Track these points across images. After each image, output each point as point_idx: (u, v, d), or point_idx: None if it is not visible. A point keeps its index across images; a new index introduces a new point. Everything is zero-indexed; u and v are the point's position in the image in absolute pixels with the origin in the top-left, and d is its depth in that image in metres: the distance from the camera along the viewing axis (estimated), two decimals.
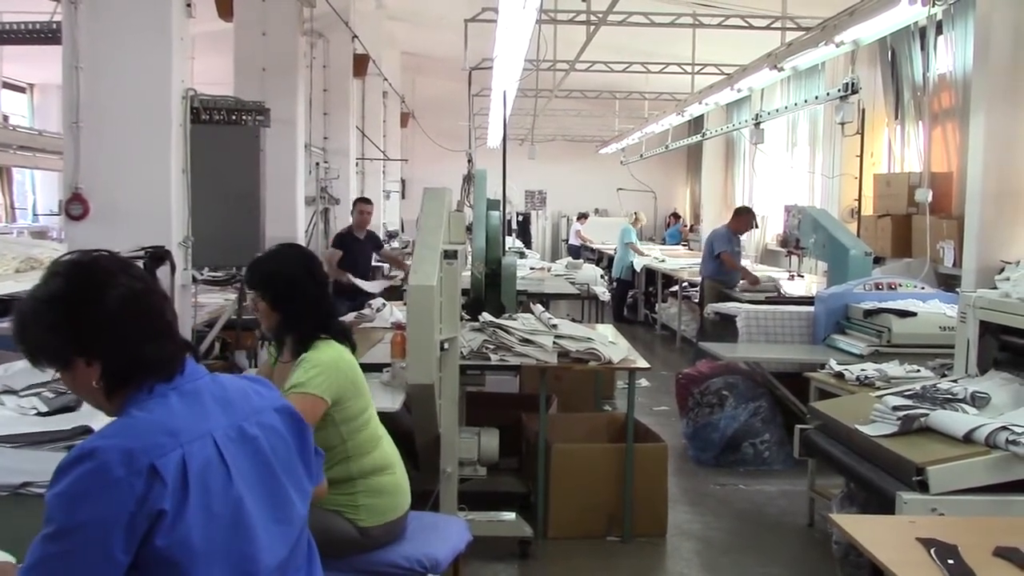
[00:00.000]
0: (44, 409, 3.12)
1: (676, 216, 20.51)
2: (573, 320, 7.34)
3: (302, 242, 9.25)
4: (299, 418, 1.94)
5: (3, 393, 3.17)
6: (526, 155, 16.35)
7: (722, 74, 11.48)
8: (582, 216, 19.59)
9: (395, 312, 6.45)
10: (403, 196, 17.97)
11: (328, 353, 3.07)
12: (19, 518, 2.24)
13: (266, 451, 1.81)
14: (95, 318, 1.72)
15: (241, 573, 1.70)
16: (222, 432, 1.74)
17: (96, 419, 3.01)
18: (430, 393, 4.10)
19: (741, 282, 9.39)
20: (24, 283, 3.65)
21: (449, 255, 4.42)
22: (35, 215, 17.78)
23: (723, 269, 9.52)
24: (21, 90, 17.88)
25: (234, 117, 6.09)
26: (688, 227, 20.35)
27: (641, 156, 17.04)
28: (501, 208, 7.24)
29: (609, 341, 5.32)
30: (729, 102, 12.79)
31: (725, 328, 7.70)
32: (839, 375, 5.15)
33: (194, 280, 5.47)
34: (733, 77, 10.06)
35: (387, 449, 3.26)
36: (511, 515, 4.81)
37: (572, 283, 9.82)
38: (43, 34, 6.68)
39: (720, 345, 6.68)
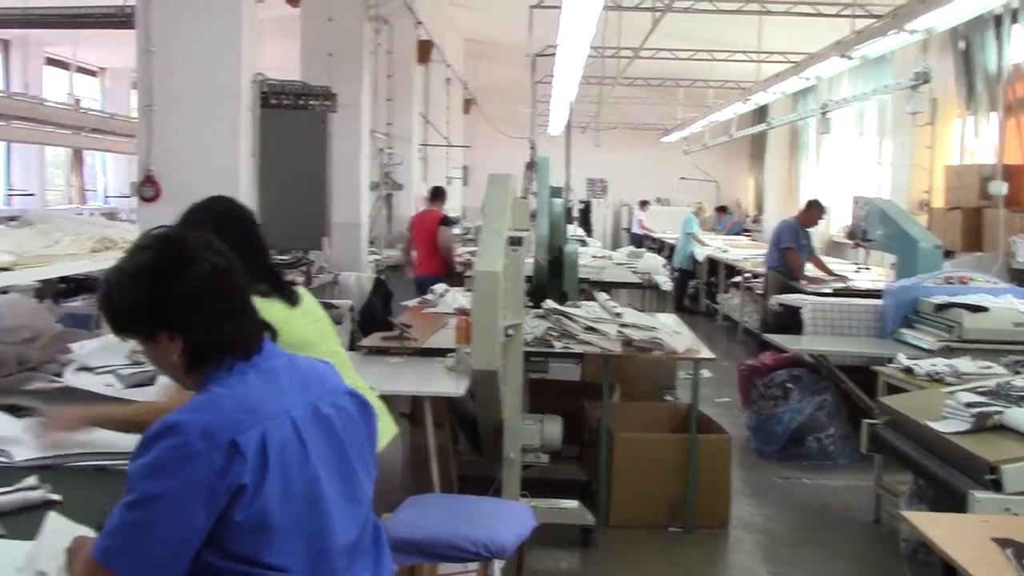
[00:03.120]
0: (119, 386, 3.19)
1: (723, 209, 20.11)
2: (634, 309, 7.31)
3: (365, 228, 9.32)
4: (367, 403, 1.96)
5: (80, 370, 3.25)
6: (588, 143, 16.28)
7: (788, 62, 11.32)
8: (644, 204, 19.46)
9: (458, 298, 6.47)
10: (465, 183, 17.99)
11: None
12: (101, 493, 2.27)
13: (339, 431, 1.83)
14: (180, 293, 1.75)
15: (315, 550, 1.72)
16: (299, 411, 1.76)
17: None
18: (494, 379, 4.10)
19: (802, 282, 9.17)
20: (100, 263, 3.73)
21: (514, 241, 4.41)
22: (106, 197, 18.16)
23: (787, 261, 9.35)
24: (92, 74, 18.22)
25: (301, 102, 6.14)
26: (750, 218, 20.11)
27: (704, 145, 16.87)
28: (564, 196, 7.22)
29: (673, 331, 5.28)
30: (795, 91, 12.60)
31: (789, 320, 7.61)
32: (908, 370, 5.04)
33: None
34: (800, 65, 9.92)
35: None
36: (574, 503, 4.80)
37: (634, 272, 9.75)
38: (117, 18, 6.82)
39: (785, 337, 6.58)
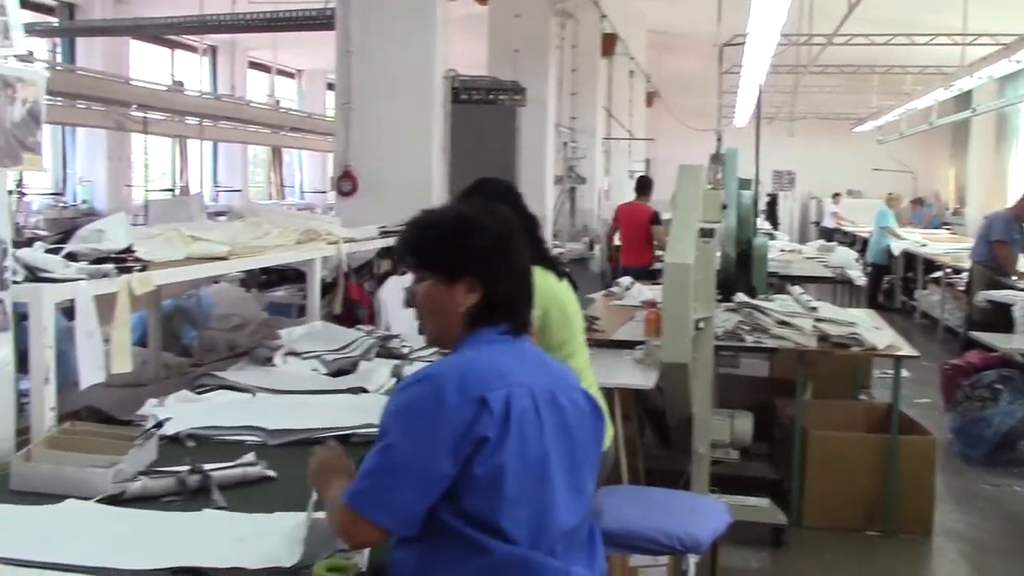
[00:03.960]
0: (324, 371, 3.32)
1: (919, 201, 19.07)
2: None
3: (550, 221, 9.40)
4: (598, 406, 1.97)
5: (288, 355, 3.40)
6: (775, 134, 15.84)
7: (997, 44, 10.63)
8: (836, 196, 18.74)
9: (643, 291, 6.43)
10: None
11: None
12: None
13: (571, 422, 1.85)
14: (494, 245, 1.87)
15: (539, 524, 1.74)
16: (539, 389, 1.80)
17: (370, 381, 3.18)
18: (684, 372, 4.05)
19: (1013, 277, 8.57)
20: (305, 253, 3.89)
21: (705, 233, 4.34)
22: (302, 192, 19.06)
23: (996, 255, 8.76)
24: (291, 76, 19.11)
25: (491, 96, 6.25)
26: (950, 211, 19.05)
27: (900, 134, 16.08)
28: (753, 188, 7.04)
29: (872, 326, 5.06)
30: (1003, 75, 11.81)
31: (997, 317, 7.17)
32: None
33: None
34: (1012, 47, 9.30)
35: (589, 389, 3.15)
36: (765, 501, 4.67)
37: (825, 266, 9.42)
38: (317, 20, 7.13)
39: (994, 335, 6.21)
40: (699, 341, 4.21)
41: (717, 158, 8.95)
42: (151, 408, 2.74)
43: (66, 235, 2.84)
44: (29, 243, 2.80)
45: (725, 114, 13.98)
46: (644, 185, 9.69)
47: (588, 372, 3.17)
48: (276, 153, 18.09)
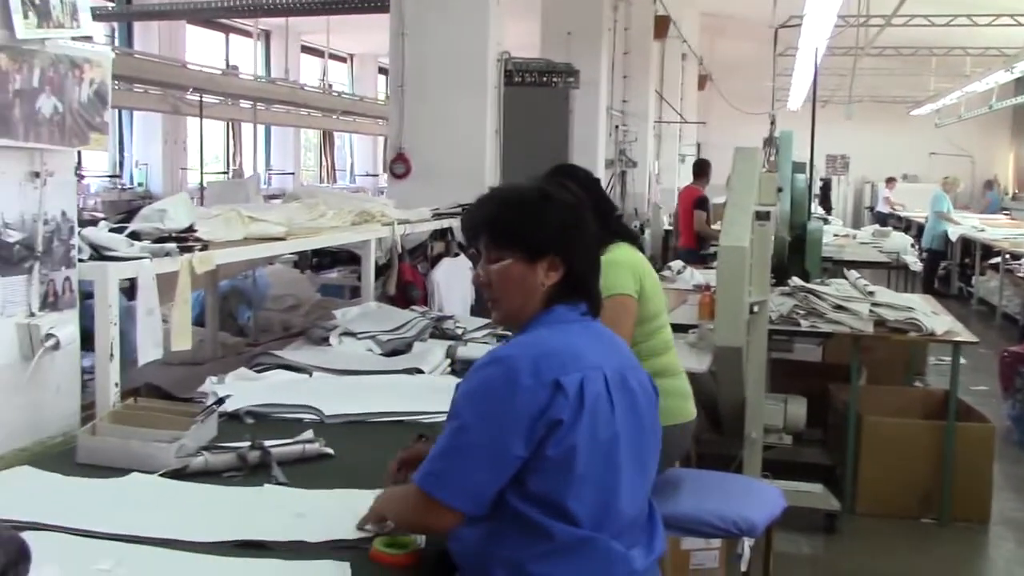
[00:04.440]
0: (379, 351, 3.35)
1: (989, 185, 18.74)
2: None
3: None
4: (658, 392, 1.96)
5: (343, 335, 3.44)
6: (828, 118, 15.55)
7: None
8: (890, 180, 18.44)
9: (695, 275, 6.39)
10: None
11: (623, 253, 3.06)
12: (366, 448, 2.41)
13: (641, 405, 1.84)
14: (578, 223, 1.87)
15: (604, 504, 1.74)
16: (610, 371, 1.79)
17: (425, 362, 3.20)
18: (737, 356, 4.02)
19: None
20: (360, 235, 3.91)
21: (761, 216, 4.30)
22: (353, 176, 19.16)
23: None
24: (343, 60, 19.19)
25: (544, 79, 6.22)
26: (1009, 196, 18.66)
27: (959, 117, 15.76)
28: (808, 172, 6.96)
29: (930, 312, 4.98)
30: None
31: None
32: None
33: None
34: None
35: (675, 358, 3.24)
36: (817, 487, 4.63)
37: (880, 251, 9.28)
38: (371, 3, 7.14)
39: None
40: (753, 325, 4.18)
41: (770, 141, 8.84)
42: (211, 385, 2.78)
43: (128, 215, 2.88)
44: (91, 224, 2.85)
45: (778, 97, 13.80)
46: (699, 168, 9.65)
47: (672, 345, 3.25)
48: (327, 137, 18.19)
